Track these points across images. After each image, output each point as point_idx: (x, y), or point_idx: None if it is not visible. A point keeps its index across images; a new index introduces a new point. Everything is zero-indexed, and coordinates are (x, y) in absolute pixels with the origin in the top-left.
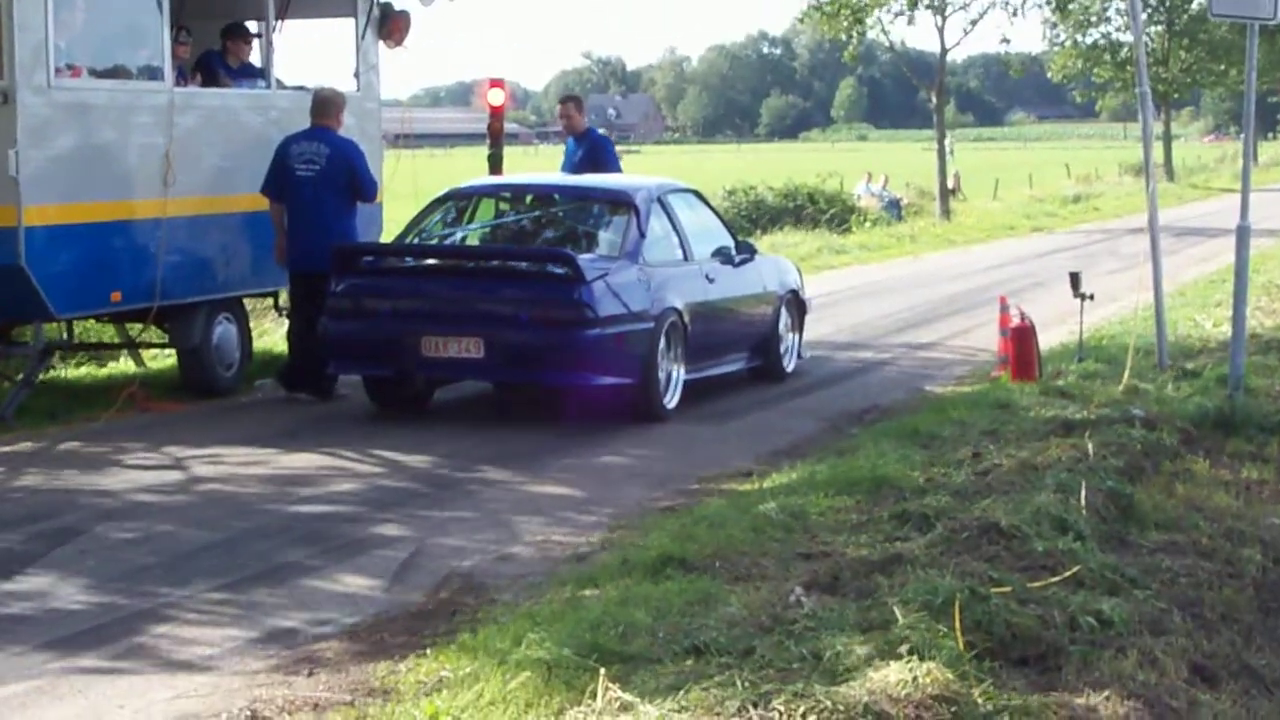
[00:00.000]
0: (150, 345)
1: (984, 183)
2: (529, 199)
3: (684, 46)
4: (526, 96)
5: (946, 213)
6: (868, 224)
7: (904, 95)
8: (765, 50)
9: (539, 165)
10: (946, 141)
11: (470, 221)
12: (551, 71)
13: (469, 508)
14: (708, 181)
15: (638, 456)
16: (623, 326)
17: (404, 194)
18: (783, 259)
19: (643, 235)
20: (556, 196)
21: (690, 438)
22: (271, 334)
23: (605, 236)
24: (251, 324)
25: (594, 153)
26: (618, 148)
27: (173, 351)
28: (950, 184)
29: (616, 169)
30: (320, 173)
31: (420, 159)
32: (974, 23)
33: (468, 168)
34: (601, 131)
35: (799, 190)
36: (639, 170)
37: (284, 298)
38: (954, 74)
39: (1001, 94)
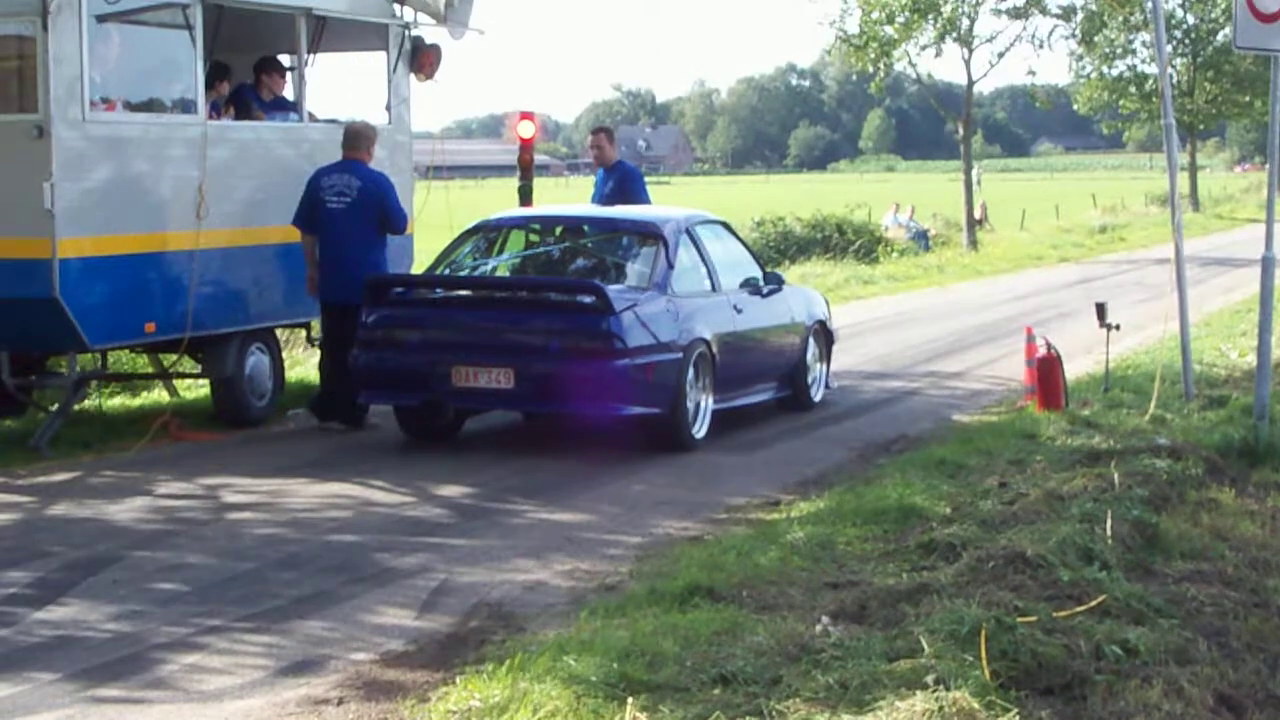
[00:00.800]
0: (183, 375)
1: (1011, 213)
2: (558, 230)
3: (713, 79)
4: (557, 128)
5: (973, 243)
6: (895, 254)
7: (931, 126)
8: (794, 82)
9: (569, 197)
10: (973, 172)
11: (500, 253)
12: (582, 103)
13: (498, 537)
14: (736, 212)
15: (666, 486)
16: (651, 357)
17: (438, 225)
18: (810, 289)
19: (671, 266)
20: (586, 228)
21: (718, 467)
22: (303, 364)
23: (634, 267)
24: (284, 354)
25: (624, 184)
26: (647, 179)
27: (206, 382)
28: (977, 214)
29: (646, 200)
30: (351, 205)
31: (452, 191)
32: (1000, 55)
33: (499, 199)
34: (631, 163)
35: (827, 221)
36: (668, 201)
37: (316, 329)
38: (981, 105)
39: (1028, 125)
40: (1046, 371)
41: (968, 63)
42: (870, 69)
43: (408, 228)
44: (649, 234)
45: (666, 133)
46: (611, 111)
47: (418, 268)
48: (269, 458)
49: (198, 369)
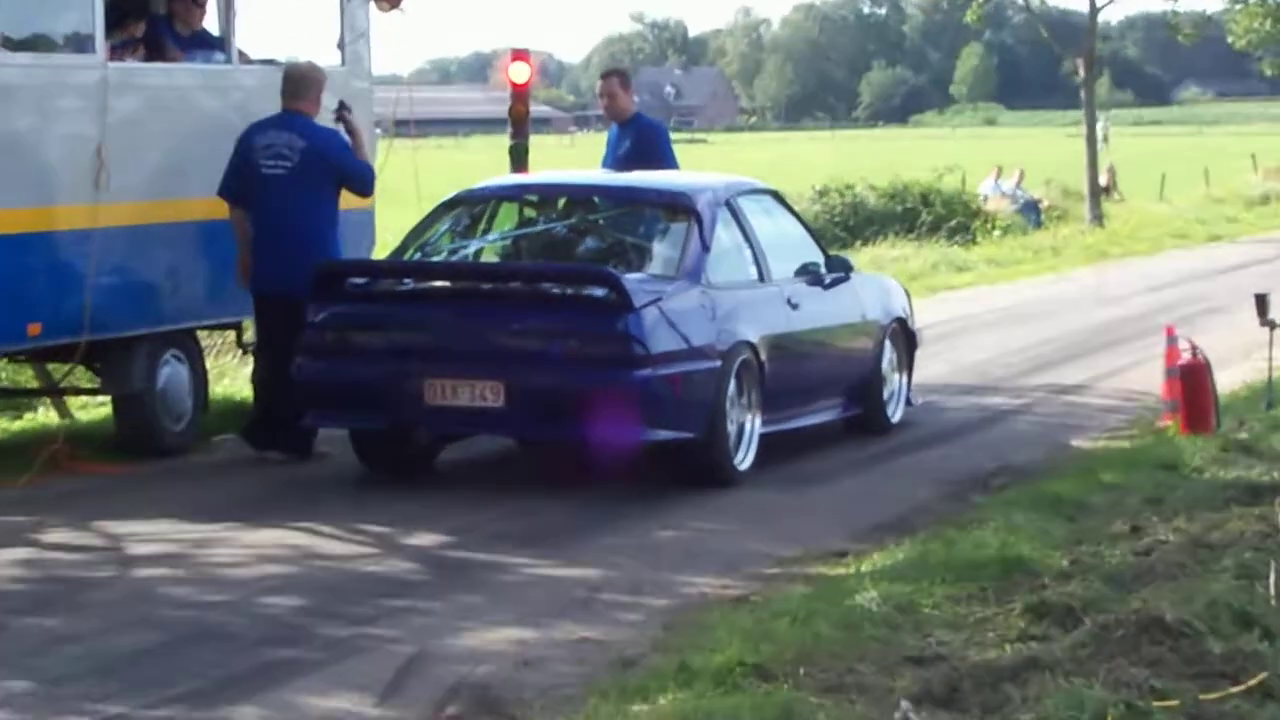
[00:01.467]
0: (79, 391)
1: (1147, 179)
2: (562, 203)
3: (762, 6)
4: (561, 71)
5: (1098, 218)
6: (997, 233)
7: (1044, 67)
8: (866, 10)
9: (575, 159)
10: (1098, 126)
11: (487, 232)
12: (593, 39)
13: (484, 598)
14: (792, 179)
15: (700, 531)
16: (681, 366)
17: (405, 196)
18: (887, 279)
19: (706, 249)
20: (597, 200)
21: (767, 508)
22: (233, 376)
23: (659, 251)
24: (207, 364)
25: (643, 143)
26: (676, 136)
27: (107, 399)
28: (1103, 180)
29: (673, 164)
30: (293, 170)
31: (424, 151)
32: None
33: (485, 163)
34: (654, 117)
35: (909, 190)
36: (704, 165)
37: (249, 330)
38: (1108, 39)
39: (1169, 65)
40: (1192, 383)
41: None
42: None
43: (373, 190)
44: (678, 207)
45: (702, 76)
46: (631, 49)
47: (381, 251)
48: (189, 497)
49: (96, 383)
